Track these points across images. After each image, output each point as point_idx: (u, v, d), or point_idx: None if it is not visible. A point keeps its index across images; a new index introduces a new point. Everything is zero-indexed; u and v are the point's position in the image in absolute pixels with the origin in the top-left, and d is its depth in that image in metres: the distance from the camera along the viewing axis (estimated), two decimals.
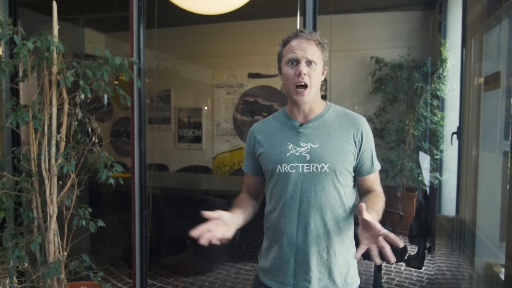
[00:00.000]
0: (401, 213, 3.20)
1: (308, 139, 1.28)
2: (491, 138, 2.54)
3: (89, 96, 1.92)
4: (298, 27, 2.36)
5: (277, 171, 1.29)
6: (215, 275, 3.23)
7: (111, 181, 1.96)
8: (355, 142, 1.28)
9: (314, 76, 1.24)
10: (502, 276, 2.15)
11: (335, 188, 1.26)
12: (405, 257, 2.57)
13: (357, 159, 1.29)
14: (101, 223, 1.99)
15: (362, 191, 1.35)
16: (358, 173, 1.31)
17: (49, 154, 1.88)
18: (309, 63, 1.23)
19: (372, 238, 1.06)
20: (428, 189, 3.85)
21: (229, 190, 3.81)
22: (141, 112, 2.24)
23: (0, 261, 1.81)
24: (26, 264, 1.81)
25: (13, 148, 2.11)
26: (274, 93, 5.13)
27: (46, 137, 1.87)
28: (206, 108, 5.31)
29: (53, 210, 1.85)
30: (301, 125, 1.30)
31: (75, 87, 1.93)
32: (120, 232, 3.34)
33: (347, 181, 1.29)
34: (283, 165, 1.28)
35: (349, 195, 1.30)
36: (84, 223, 1.95)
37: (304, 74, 1.22)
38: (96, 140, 2.03)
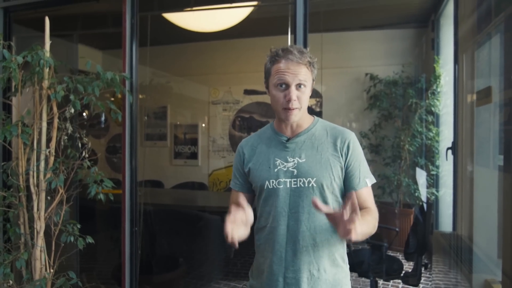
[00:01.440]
0: (397, 229, 3.16)
1: (295, 153, 1.27)
2: (485, 153, 2.54)
3: (79, 110, 1.91)
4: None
5: (265, 187, 1.27)
6: None
7: (101, 196, 1.94)
8: (341, 155, 1.26)
9: (303, 98, 1.23)
10: None
11: (324, 202, 1.23)
12: (402, 274, 2.52)
13: (344, 172, 1.26)
14: (89, 240, 1.95)
15: None
16: (345, 188, 1.28)
17: (38, 169, 1.85)
18: (298, 86, 1.22)
19: (344, 223, 1.02)
20: (425, 205, 3.82)
21: (224, 207, 3.77)
22: (133, 127, 2.23)
23: None
24: (11, 282, 1.76)
25: (3, 163, 2.09)
26: (270, 109, 5.11)
27: (35, 152, 1.85)
28: (203, 125, 5.32)
29: (40, 226, 1.82)
30: (288, 139, 1.29)
31: (67, 102, 1.93)
32: (112, 249, 3.28)
33: (336, 195, 1.26)
34: (271, 181, 1.26)
35: (337, 208, 1.27)
36: (72, 239, 1.91)
37: (295, 100, 1.21)
38: (87, 155, 2.01)
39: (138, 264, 2.24)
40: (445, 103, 3.85)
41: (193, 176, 5.19)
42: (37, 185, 1.85)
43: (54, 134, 1.89)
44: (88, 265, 3.23)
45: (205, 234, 3.41)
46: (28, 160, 1.91)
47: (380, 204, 4.21)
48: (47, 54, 1.85)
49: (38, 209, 1.83)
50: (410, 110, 4.16)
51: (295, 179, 1.24)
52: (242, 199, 1.18)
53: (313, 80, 1.27)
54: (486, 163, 2.51)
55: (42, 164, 1.86)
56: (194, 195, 4.69)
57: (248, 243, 1.42)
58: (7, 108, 2.41)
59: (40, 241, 1.82)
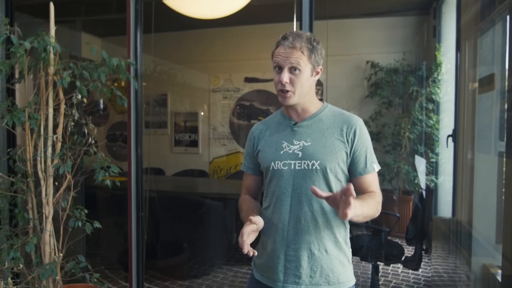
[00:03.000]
0: (398, 215, 3.21)
1: (301, 137, 1.31)
2: (486, 140, 2.56)
3: (86, 96, 1.91)
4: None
5: (271, 168, 1.32)
6: (212, 278, 3.21)
7: (108, 182, 1.95)
8: (347, 141, 1.29)
9: (297, 82, 1.26)
10: (499, 277, 2.15)
11: (327, 185, 1.27)
12: (402, 259, 2.57)
13: (349, 158, 1.29)
14: (97, 225, 1.98)
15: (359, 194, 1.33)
16: (351, 173, 1.31)
17: (45, 155, 1.87)
18: (292, 69, 1.26)
19: (341, 206, 1.07)
20: (424, 192, 3.86)
21: (226, 193, 3.81)
22: (138, 113, 2.24)
23: None
24: (21, 266, 1.79)
25: (9, 150, 2.10)
26: (270, 97, 5.15)
27: (42, 138, 1.86)
28: (202, 113, 5.32)
29: (49, 211, 1.84)
30: (296, 123, 1.34)
31: (72, 88, 1.93)
32: (116, 236, 3.32)
33: (340, 179, 1.30)
34: (276, 162, 1.31)
35: None
36: (80, 224, 1.94)
37: (286, 82, 1.25)
38: (93, 141, 2.02)
39: (144, 248, 2.27)
40: (445, 91, 3.87)
41: (194, 163, 5.21)
42: (45, 171, 1.86)
43: (61, 120, 1.90)
44: (91, 251, 3.27)
45: (207, 220, 3.45)
46: (35, 146, 1.92)
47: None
48: (53, 40, 1.85)
49: (46, 195, 1.85)
50: (410, 98, 4.18)
51: (300, 161, 1.28)
52: (252, 211, 1.33)
53: (313, 65, 1.28)
54: (487, 149, 2.54)
55: (49, 150, 1.87)
56: (197, 182, 4.73)
57: None
58: (11, 95, 2.41)
59: (49, 226, 1.84)
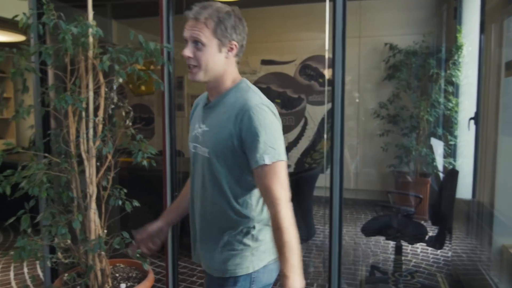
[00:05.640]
0: (421, 196, 3.26)
1: (205, 120, 1.26)
2: (511, 123, 2.59)
3: (125, 79, 1.97)
4: (327, 12, 2.38)
5: (189, 149, 1.35)
6: None
7: (145, 163, 2.04)
8: (239, 128, 1.14)
9: (201, 57, 1.16)
10: None
11: (218, 174, 1.19)
12: (426, 238, 2.65)
13: (242, 148, 1.16)
14: (136, 203, 2.06)
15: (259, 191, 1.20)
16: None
17: (87, 136, 1.94)
18: (195, 43, 1.17)
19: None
20: (441, 174, 3.91)
21: None
22: (171, 96, 2.30)
23: (40, 238, 1.88)
24: (69, 241, 1.89)
25: (49, 131, 2.18)
26: (287, 79, 5.17)
27: (84, 120, 1.93)
28: None
29: (92, 190, 1.93)
30: (206, 104, 1.29)
31: (108, 72, 1.98)
32: (143, 215, 3.41)
33: (234, 170, 1.19)
34: (189, 143, 1.33)
35: (236, 185, 1.20)
36: (120, 203, 2.03)
37: (188, 56, 1.17)
38: (130, 123, 2.10)
39: (179, 227, 2.37)
40: (466, 74, 3.86)
41: None
42: (88, 152, 1.94)
43: (102, 103, 1.96)
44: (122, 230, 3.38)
45: None
46: (76, 128, 1.99)
47: (398, 174, 4.30)
48: (94, 24, 1.90)
49: (90, 174, 1.93)
50: (429, 80, 4.19)
51: (200, 146, 1.25)
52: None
53: (220, 40, 1.17)
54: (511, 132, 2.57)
55: (91, 131, 1.94)
56: None
57: None
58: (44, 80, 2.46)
59: (94, 204, 1.93)
